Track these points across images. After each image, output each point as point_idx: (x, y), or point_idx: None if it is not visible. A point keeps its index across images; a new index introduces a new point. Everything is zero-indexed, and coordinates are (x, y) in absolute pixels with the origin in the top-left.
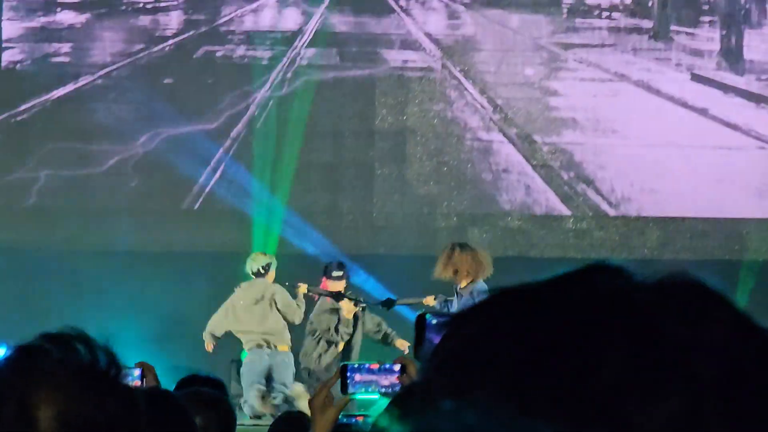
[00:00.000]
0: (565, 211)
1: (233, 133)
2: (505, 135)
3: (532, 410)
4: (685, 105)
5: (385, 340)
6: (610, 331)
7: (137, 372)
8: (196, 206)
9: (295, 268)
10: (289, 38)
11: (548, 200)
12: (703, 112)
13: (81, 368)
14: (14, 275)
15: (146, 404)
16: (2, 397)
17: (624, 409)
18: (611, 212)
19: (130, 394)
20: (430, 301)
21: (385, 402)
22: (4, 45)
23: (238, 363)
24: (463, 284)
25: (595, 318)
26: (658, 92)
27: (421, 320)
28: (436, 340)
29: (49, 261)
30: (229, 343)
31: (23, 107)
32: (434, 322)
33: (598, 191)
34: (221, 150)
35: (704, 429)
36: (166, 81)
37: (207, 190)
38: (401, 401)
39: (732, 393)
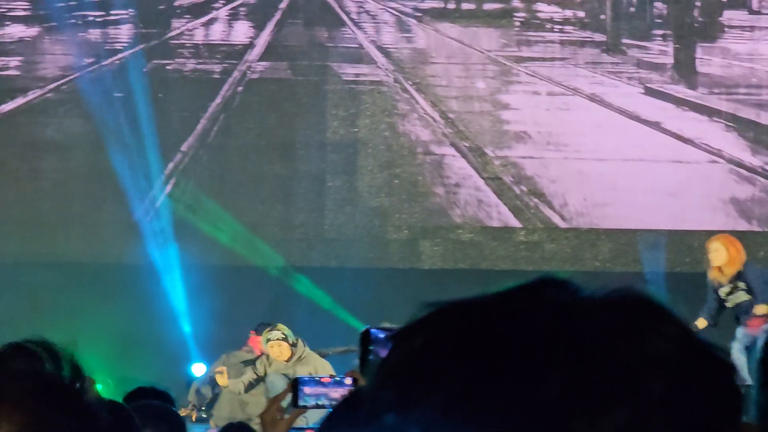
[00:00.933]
0: (517, 223)
1: (183, 147)
2: (456, 149)
3: (475, 425)
4: (637, 119)
5: None
6: (555, 346)
7: None
8: (149, 218)
9: (244, 282)
10: (240, 51)
11: (500, 213)
12: (655, 125)
13: (45, 382)
14: None
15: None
16: None
17: (568, 424)
18: (563, 225)
19: (93, 410)
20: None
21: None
22: None
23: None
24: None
25: (540, 333)
26: (610, 106)
27: (366, 335)
28: (382, 353)
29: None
30: (181, 357)
31: None
32: (380, 335)
33: (550, 205)
34: (172, 163)
35: None
36: (117, 94)
37: (158, 202)
38: (345, 412)
39: (675, 407)
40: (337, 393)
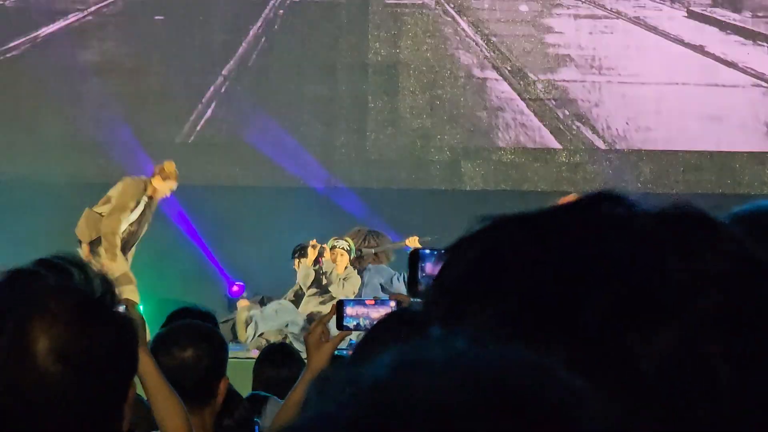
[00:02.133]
0: (559, 145)
1: (225, 71)
2: (499, 72)
3: (527, 339)
4: (681, 42)
5: None
6: (609, 260)
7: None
8: (191, 140)
9: (289, 201)
10: None
11: (542, 137)
12: (699, 49)
13: (77, 298)
14: (12, 208)
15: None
16: None
17: (622, 338)
18: (604, 146)
19: (125, 323)
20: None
21: None
22: None
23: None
24: None
25: (595, 247)
26: (654, 29)
27: (414, 255)
28: (432, 273)
29: (45, 194)
30: (219, 280)
31: (12, 44)
32: (427, 252)
33: (592, 129)
34: (213, 87)
35: (703, 358)
36: (158, 17)
37: (201, 124)
38: (389, 325)
39: (731, 323)
40: (380, 315)
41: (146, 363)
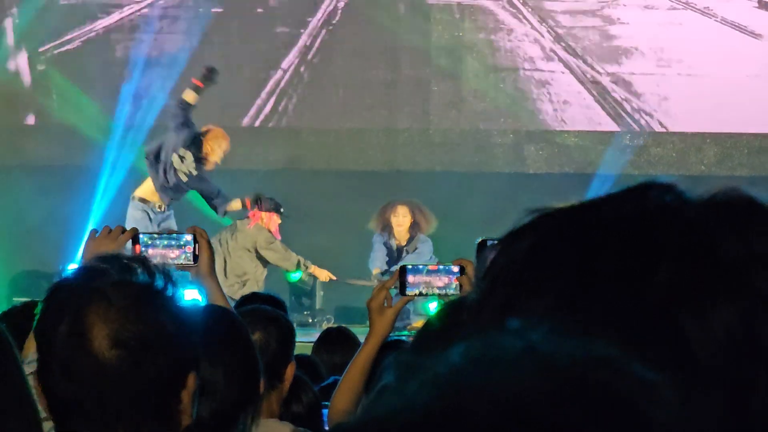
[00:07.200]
0: (623, 128)
1: (284, 64)
2: (565, 65)
3: (587, 328)
4: (752, 34)
5: None
6: (662, 244)
7: (189, 237)
8: (257, 123)
9: (347, 186)
10: None
11: (607, 122)
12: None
13: (137, 289)
14: (54, 193)
15: (205, 321)
16: (59, 315)
17: (677, 322)
18: (668, 129)
19: (186, 315)
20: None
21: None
22: None
23: None
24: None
25: (646, 233)
26: (723, 20)
27: (482, 245)
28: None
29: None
30: None
31: (68, 36)
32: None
33: (661, 124)
34: (272, 81)
35: (757, 340)
36: (215, 10)
37: (260, 118)
38: (451, 319)
39: None
40: (443, 281)
41: (212, 288)
